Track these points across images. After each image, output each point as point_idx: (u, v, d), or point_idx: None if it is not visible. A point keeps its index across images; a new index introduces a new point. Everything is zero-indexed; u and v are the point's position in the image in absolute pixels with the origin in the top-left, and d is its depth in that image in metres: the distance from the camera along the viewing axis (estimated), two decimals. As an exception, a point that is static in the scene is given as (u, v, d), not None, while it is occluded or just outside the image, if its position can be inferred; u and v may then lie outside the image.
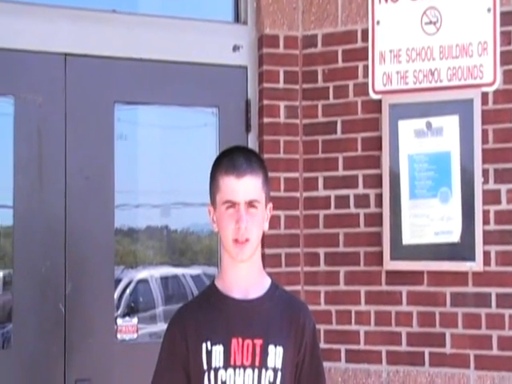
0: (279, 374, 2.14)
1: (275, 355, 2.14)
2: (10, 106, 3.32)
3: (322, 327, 3.50)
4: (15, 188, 3.31)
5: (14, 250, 3.31)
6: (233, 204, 2.15)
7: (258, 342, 2.14)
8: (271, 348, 2.14)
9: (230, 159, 2.19)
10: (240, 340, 2.14)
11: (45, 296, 3.31)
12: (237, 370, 2.13)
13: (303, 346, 2.20)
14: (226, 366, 2.13)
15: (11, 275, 3.34)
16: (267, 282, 2.27)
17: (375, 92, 3.52)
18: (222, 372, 2.13)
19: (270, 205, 2.27)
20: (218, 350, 2.14)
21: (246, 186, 2.16)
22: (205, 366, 2.14)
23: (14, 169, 3.31)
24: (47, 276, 3.31)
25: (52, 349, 3.30)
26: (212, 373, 2.13)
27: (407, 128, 3.43)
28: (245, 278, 2.22)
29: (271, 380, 2.13)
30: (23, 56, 3.32)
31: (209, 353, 2.14)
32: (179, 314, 2.29)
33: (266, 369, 2.13)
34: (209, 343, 2.15)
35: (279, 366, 2.14)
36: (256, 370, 2.13)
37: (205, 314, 2.21)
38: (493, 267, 3.32)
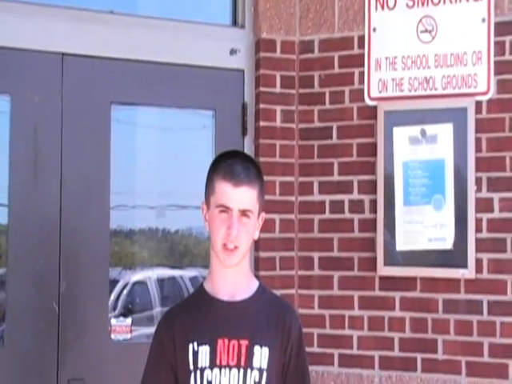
0: (265, 374, 2.15)
1: (261, 356, 2.16)
2: (6, 104, 3.33)
3: (315, 331, 3.52)
4: (10, 187, 3.31)
5: (9, 249, 3.30)
6: (226, 209, 2.17)
7: (244, 342, 2.16)
8: (257, 348, 2.16)
9: (229, 165, 2.20)
10: (226, 340, 2.16)
11: (39, 295, 3.30)
12: (222, 370, 2.15)
13: (289, 347, 2.21)
14: (212, 366, 2.15)
15: (5, 274, 3.32)
16: (254, 284, 2.30)
17: (371, 98, 3.53)
18: (207, 372, 2.15)
19: (263, 214, 2.29)
20: (204, 351, 2.16)
21: (241, 196, 2.17)
22: (191, 367, 2.16)
23: (9, 167, 3.31)
24: (41, 275, 3.31)
25: (45, 348, 3.30)
26: (198, 373, 2.15)
27: (402, 135, 3.44)
28: (232, 281, 2.25)
29: (257, 380, 2.15)
30: (21, 55, 3.33)
31: (195, 353, 2.16)
32: (167, 316, 2.31)
33: (252, 369, 2.15)
34: (195, 344, 2.17)
35: (265, 366, 2.16)
36: (241, 370, 2.15)
37: (192, 316, 2.23)
38: (485, 275, 3.33)
